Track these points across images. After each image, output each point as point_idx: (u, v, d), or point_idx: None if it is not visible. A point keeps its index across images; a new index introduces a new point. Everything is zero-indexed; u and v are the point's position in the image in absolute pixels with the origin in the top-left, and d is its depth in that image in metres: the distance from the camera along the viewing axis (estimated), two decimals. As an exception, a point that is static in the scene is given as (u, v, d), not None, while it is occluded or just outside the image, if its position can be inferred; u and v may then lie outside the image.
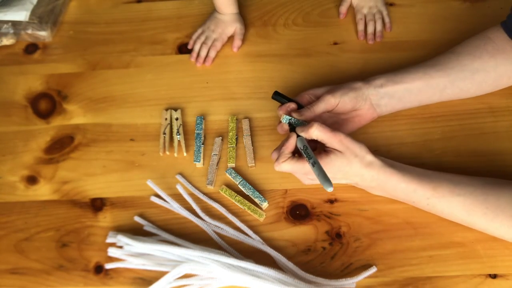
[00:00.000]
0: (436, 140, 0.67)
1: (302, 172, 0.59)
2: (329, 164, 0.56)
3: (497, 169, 0.64)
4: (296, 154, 0.59)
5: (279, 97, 0.65)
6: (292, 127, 0.61)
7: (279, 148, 0.59)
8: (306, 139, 0.58)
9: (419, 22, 0.78)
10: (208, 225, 0.63)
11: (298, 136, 0.59)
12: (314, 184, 0.64)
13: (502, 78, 0.65)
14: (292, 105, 0.62)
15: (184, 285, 0.59)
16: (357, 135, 0.68)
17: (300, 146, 0.57)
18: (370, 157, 0.57)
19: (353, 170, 0.57)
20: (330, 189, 0.52)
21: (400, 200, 0.60)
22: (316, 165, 0.54)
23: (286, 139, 0.59)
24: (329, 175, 0.53)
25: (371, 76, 0.65)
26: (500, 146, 0.65)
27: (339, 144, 0.57)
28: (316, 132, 0.57)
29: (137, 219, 0.65)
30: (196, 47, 0.78)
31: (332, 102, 0.62)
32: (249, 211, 0.64)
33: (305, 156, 0.56)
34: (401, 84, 0.64)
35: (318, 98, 0.63)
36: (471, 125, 0.67)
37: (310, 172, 0.55)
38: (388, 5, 0.81)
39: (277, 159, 0.59)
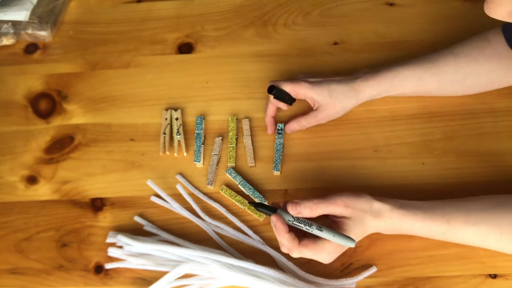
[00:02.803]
0: (436, 140, 0.67)
1: (325, 252, 0.54)
2: (349, 232, 0.54)
3: (497, 169, 0.64)
4: (304, 237, 0.55)
5: (276, 93, 0.65)
6: (261, 206, 0.55)
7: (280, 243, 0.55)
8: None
9: (419, 22, 0.78)
10: (208, 225, 0.63)
11: (275, 213, 0.54)
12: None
13: (493, 83, 0.65)
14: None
15: (184, 285, 0.59)
16: (357, 135, 0.68)
17: (289, 218, 0.54)
18: (377, 205, 0.55)
19: (368, 226, 0.55)
20: (353, 244, 0.52)
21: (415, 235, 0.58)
22: (324, 228, 0.52)
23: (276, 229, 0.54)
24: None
25: (364, 77, 0.65)
26: (500, 146, 0.65)
27: (345, 209, 0.54)
28: (320, 209, 0.54)
29: (137, 219, 0.65)
30: None
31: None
32: (249, 211, 0.64)
33: (303, 227, 0.53)
34: (393, 91, 0.65)
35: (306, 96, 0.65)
36: (471, 125, 0.67)
37: (331, 246, 0.53)
38: (388, 5, 0.81)
39: (289, 248, 0.54)
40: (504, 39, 0.63)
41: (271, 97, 0.64)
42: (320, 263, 0.58)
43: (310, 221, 0.54)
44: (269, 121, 0.68)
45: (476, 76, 0.64)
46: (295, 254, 0.55)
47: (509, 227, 0.54)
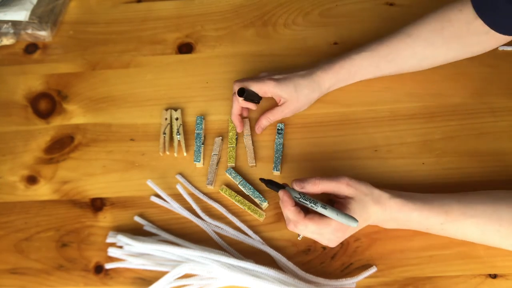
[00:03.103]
0: (436, 140, 0.67)
1: (331, 228, 0.54)
2: (352, 213, 0.54)
3: (497, 169, 0.64)
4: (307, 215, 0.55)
5: (247, 95, 0.64)
6: (270, 183, 0.57)
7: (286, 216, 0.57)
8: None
9: (419, 22, 0.78)
10: (208, 225, 0.63)
11: (282, 189, 0.55)
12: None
13: (451, 60, 0.66)
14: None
15: (184, 285, 0.59)
16: (357, 135, 0.68)
17: (295, 195, 0.55)
18: (377, 191, 0.56)
19: (370, 211, 0.56)
20: (356, 224, 0.53)
21: (414, 229, 0.58)
22: (328, 207, 0.53)
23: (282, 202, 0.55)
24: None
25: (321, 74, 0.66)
26: (500, 146, 0.65)
27: (347, 187, 0.55)
28: (323, 185, 0.55)
29: (137, 219, 0.65)
30: None
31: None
32: (249, 211, 0.64)
33: (308, 204, 0.54)
34: (352, 80, 0.67)
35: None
36: (471, 125, 0.67)
37: (338, 226, 0.54)
38: (388, 5, 0.81)
39: (295, 222, 0.55)
40: (467, 15, 0.60)
41: (240, 98, 0.64)
42: (320, 263, 0.59)
43: (316, 199, 0.55)
44: (236, 119, 0.68)
45: (433, 58, 0.65)
46: (301, 228, 0.55)
47: (508, 221, 0.54)
